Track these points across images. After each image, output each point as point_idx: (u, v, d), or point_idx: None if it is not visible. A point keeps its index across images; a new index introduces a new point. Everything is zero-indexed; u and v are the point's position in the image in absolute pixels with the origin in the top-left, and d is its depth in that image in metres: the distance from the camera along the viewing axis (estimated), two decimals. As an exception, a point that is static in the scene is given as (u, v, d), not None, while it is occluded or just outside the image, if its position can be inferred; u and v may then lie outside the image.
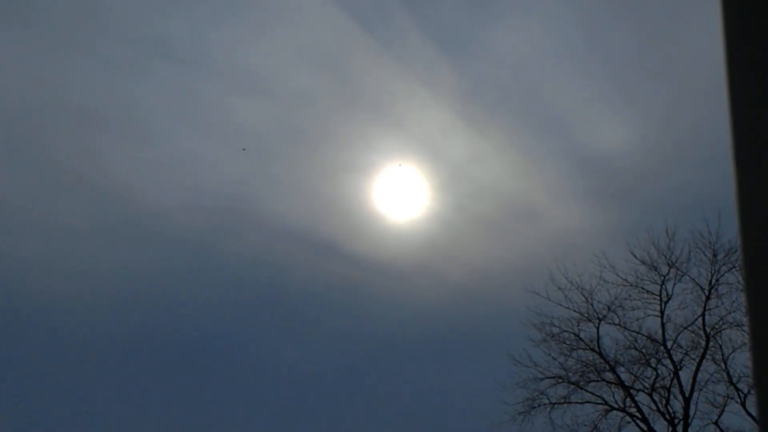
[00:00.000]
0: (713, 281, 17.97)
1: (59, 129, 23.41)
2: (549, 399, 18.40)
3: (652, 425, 17.85)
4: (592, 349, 18.67)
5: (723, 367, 17.70)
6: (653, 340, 18.44)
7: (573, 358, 18.74)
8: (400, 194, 23.21)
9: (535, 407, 18.28)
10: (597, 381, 18.56)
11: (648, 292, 18.49)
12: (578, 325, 18.77)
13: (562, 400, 18.38)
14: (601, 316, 18.67)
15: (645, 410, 18.06)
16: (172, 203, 25.12)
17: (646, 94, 21.76)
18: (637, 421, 18.01)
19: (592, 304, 18.69)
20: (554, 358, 18.62)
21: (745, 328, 17.51)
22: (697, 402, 17.73)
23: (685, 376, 18.04)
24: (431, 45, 21.56)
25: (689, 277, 18.25)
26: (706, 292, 18.03)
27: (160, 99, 23.19)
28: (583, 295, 18.72)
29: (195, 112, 23.74)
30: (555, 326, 18.73)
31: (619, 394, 18.47)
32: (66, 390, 24.73)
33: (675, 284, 18.37)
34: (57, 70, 22.10)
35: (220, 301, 26.59)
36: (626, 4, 19.59)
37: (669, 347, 18.26)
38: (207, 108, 23.41)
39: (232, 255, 25.93)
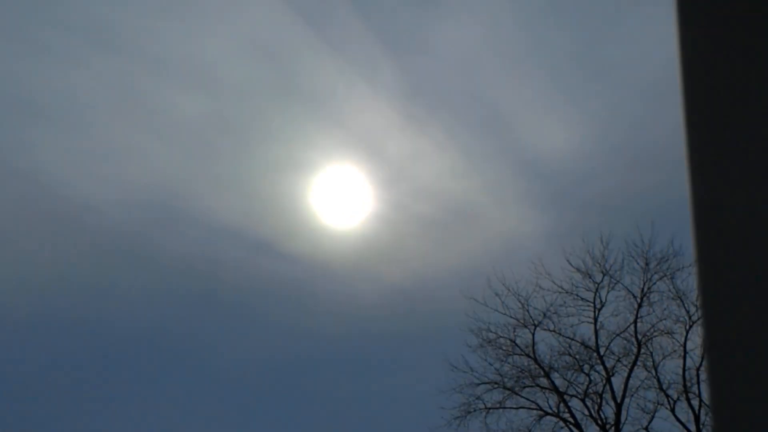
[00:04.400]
0: (645, 289, 18.30)
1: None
2: (485, 404, 18.38)
3: (584, 430, 18.00)
4: (528, 355, 18.73)
5: (654, 373, 18.02)
6: (587, 347, 18.63)
7: (509, 363, 18.78)
8: (339, 192, 22.72)
9: (470, 412, 18.24)
10: (532, 386, 18.64)
11: (582, 299, 18.69)
12: (514, 331, 18.82)
13: (498, 405, 18.39)
14: (536, 323, 18.77)
15: (578, 416, 18.24)
16: (107, 197, 23.99)
17: (586, 96, 21.93)
18: (571, 426, 18.15)
19: (528, 311, 18.76)
20: (490, 364, 18.62)
21: (676, 336, 17.88)
22: (628, 408, 18.00)
23: (617, 382, 18.31)
24: (373, 42, 21.22)
25: (622, 285, 18.53)
26: (638, 300, 18.34)
27: (97, 89, 22.06)
28: (520, 302, 18.78)
29: (132, 103, 22.67)
30: (492, 332, 18.74)
31: (553, 399, 18.59)
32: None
33: (608, 292, 18.62)
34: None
35: (153, 297, 25.63)
36: (568, 7, 19.70)
37: (602, 354, 18.47)
38: (145, 100, 22.41)
39: (168, 251, 25.00)
